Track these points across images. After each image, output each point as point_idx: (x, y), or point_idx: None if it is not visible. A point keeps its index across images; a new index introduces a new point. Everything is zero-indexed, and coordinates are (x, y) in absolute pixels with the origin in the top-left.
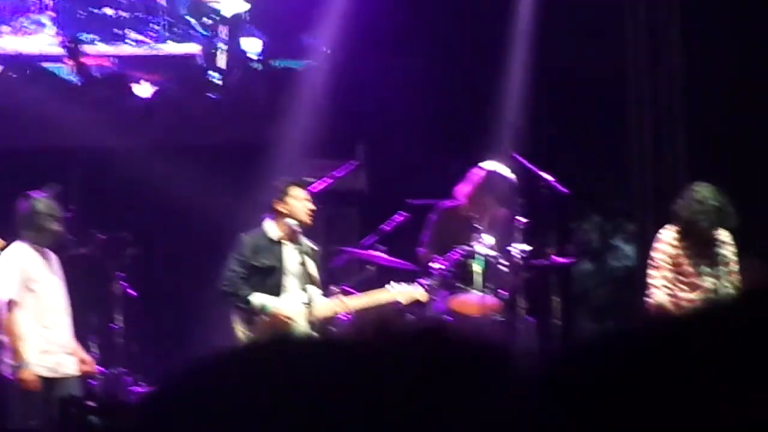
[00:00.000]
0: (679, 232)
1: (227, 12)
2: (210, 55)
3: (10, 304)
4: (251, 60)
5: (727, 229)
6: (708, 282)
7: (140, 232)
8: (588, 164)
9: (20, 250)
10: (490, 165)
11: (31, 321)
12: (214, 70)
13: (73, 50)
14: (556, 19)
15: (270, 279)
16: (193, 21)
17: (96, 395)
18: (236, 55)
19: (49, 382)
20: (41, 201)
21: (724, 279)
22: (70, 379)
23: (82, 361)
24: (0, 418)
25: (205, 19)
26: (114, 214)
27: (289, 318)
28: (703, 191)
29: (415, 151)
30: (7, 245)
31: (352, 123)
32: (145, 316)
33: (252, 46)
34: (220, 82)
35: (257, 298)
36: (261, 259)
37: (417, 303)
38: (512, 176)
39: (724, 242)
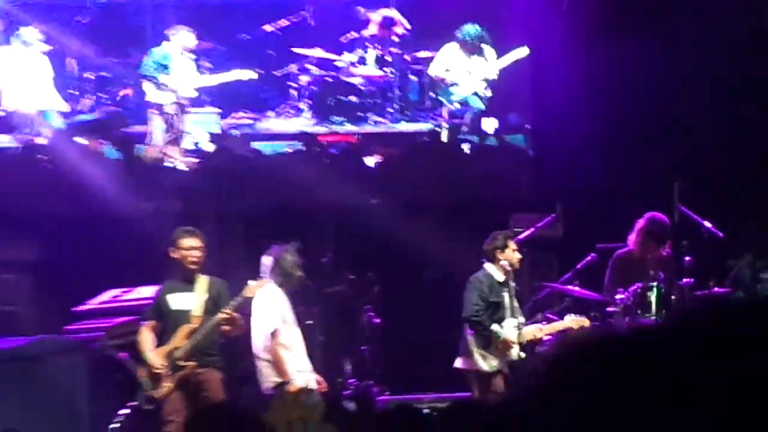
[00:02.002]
0: None
1: (465, 92)
2: (436, 133)
3: (275, 334)
4: (486, 136)
5: None
6: None
7: (382, 272)
8: (740, 213)
9: (276, 291)
10: (648, 215)
11: (287, 348)
12: (440, 144)
13: (312, 136)
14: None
15: (497, 312)
16: (436, 97)
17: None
18: (459, 130)
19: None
20: (289, 252)
21: None
22: (314, 393)
23: (318, 381)
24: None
25: (440, 97)
26: (361, 259)
27: (513, 343)
28: None
29: (602, 205)
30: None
31: (551, 183)
32: (388, 340)
33: (490, 125)
34: (443, 150)
35: (496, 328)
36: (493, 296)
37: (582, 328)
38: (665, 220)
39: None
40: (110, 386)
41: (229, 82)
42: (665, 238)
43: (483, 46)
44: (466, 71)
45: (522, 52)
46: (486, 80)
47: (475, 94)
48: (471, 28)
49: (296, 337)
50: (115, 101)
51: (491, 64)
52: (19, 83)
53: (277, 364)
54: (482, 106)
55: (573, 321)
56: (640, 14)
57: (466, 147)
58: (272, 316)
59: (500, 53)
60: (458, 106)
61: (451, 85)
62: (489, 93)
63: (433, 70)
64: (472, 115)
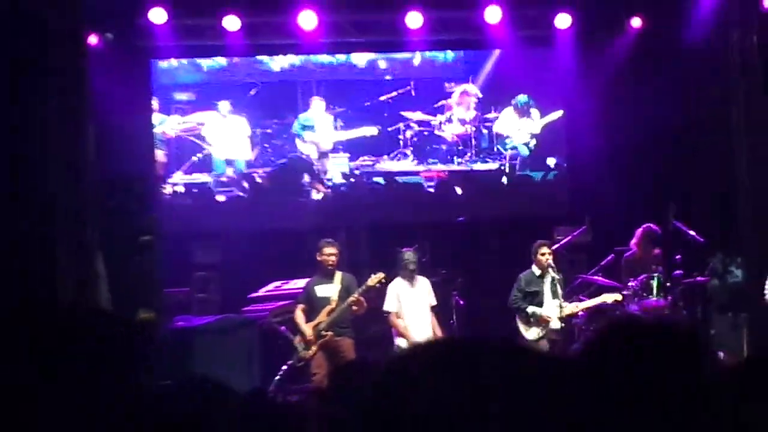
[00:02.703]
0: None
1: (515, 142)
2: (501, 170)
3: (390, 313)
4: (550, 170)
5: None
6: None
7: (465, 268)
8: (717, 224)
9: (395, 282)
10: (644, 225)
11: (401, 318)
12: (503, 177)
13: (414, 173)
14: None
15: (535, 298)
16: (497, 147)
17: None
18: (517, 168)
19: None
20: (406, 253)
21: None
22: None
23: None
24: None
25: (498, 146)
26: (450, 258)
27: (548, 318)
28: None
29: (620, 219)
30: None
31: (582, 204)
32: (468, 316)
33: (551, 162)
34: (505, 182)
35: (531, 309)
36: (531, 286)
37: (615, 302)
38: (657, 229)
39: None
40: (274, 350)
41: (357, 136)
42: (658, 240)
43: (530, 109)
44: (518, 128)
45: (558, 113)
46: (531, 134)
47: (524, 143)
48: (522, 98)
49: (412, 314)
50: (274, 151)
51: (536, 122)
52: (217, 138)
53: (397, 331)
54: (527, 152)
55: (607, 296)
56: (637, 73)
57: (504, 179)
58: (387, 300)
59: (543, 114)
60: (511, 152)
61: (507, 137)
62: (534, 142)
63: (497, 127)
64: (521, 159)
